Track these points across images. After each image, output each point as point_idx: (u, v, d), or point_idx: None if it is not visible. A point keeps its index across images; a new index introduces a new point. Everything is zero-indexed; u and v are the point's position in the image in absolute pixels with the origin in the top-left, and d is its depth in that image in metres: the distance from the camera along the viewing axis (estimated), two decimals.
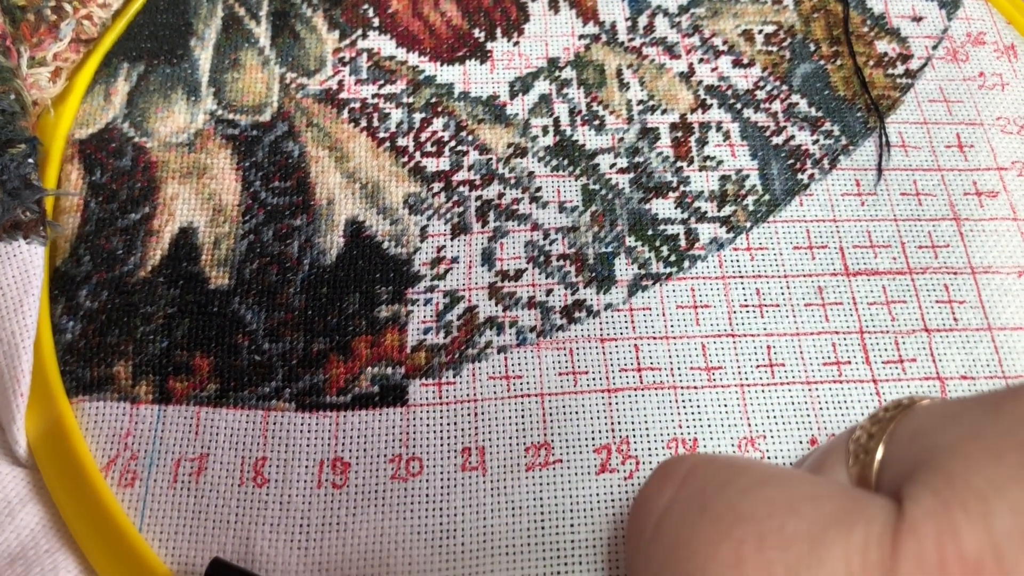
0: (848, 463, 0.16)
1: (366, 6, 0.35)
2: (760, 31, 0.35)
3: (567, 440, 0.26)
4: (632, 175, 0.31)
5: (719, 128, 0.33)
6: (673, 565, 0.15)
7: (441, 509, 0.25)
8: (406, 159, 0.31)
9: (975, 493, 0.12)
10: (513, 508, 0.25)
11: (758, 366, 0.28)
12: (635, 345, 0.28)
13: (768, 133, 0.33)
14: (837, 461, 0.17)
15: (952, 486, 0.13)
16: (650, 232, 0.30)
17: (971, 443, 0.13)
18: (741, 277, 0.30)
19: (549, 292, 0.29)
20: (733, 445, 0.27)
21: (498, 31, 0.35)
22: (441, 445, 0.26)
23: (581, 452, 0.26)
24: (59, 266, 0.29)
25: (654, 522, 0.16)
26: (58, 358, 0.27)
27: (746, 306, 0.29)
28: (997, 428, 0.13)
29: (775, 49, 0.35)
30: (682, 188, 0.31)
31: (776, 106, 0.33)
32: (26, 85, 0.31)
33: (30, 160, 0.29)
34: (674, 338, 0.28)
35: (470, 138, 0.32)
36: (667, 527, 0.16)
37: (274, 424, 0.26)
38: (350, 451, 0.26)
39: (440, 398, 0.27)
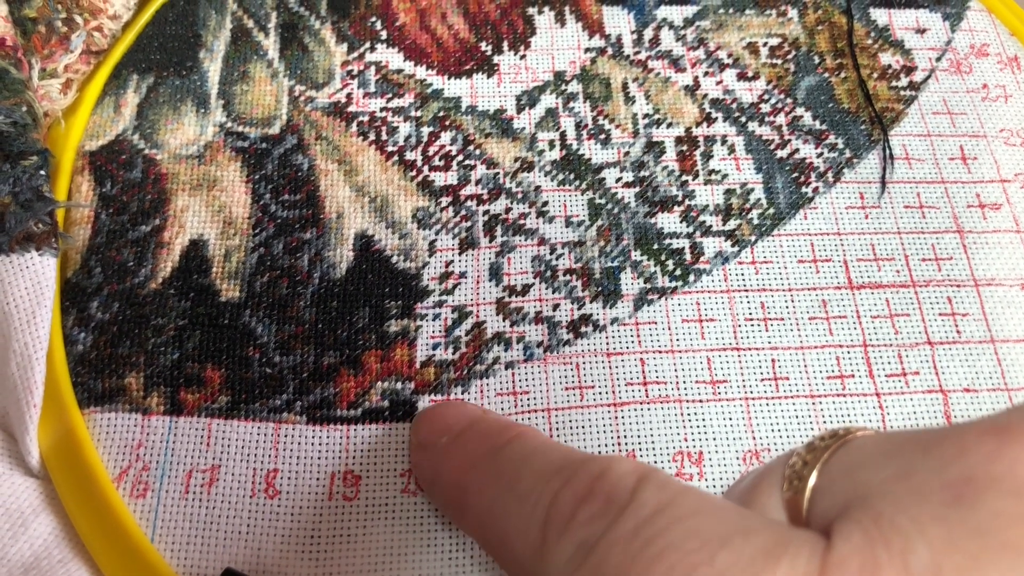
0: (783, 488, 0.17)
1: (374, 19, 0.35)
2: (765, 43, 0.36)
3: None
4: (638, 189, 0.32)
5: (724, 142, 0.33)
6: None
7: (451, 523, 0.25)
8: (414, 173, 0.32)
9: (898, 531, 0.13)
10: None
11: (763, 380, 0.28)
12: (641, 359, 0.28)
13: (772, 146, 0.33)
14: (772, 484, 0.17)
15: (878, 524, 0.13)
16: (656, 246, 0.31)
17: (899, 483, 0.14)
18: (746, 291, 0.30)
19: (556, 307, 0.29)
20: (738, 458, 0.27)
21: (505, 44, 0.35)
22: None
23: None
24: (70, 278, 0.29)
25: (583, 540, 0.17)
26: (70, 369, 0.27)
27: (751, 320, 0.29)
28: (925, 468, 0.14)
29: (779, 62, 0.35)
30: (687, 202, 0.32)
31: (781, 119, 0.34)
32: (37, 97, 0.31)
33: (42, 172, 0.29)
34: (680, 352, 0.29)
35: (477, 152, 0.32)
36: (602, 547, 0.16)
37: (285, 436, 0.27)
38: (361, 464, 0.26)
39: None
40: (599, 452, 0.27)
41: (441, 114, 0.33)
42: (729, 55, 0.35)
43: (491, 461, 0.21)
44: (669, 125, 0.33)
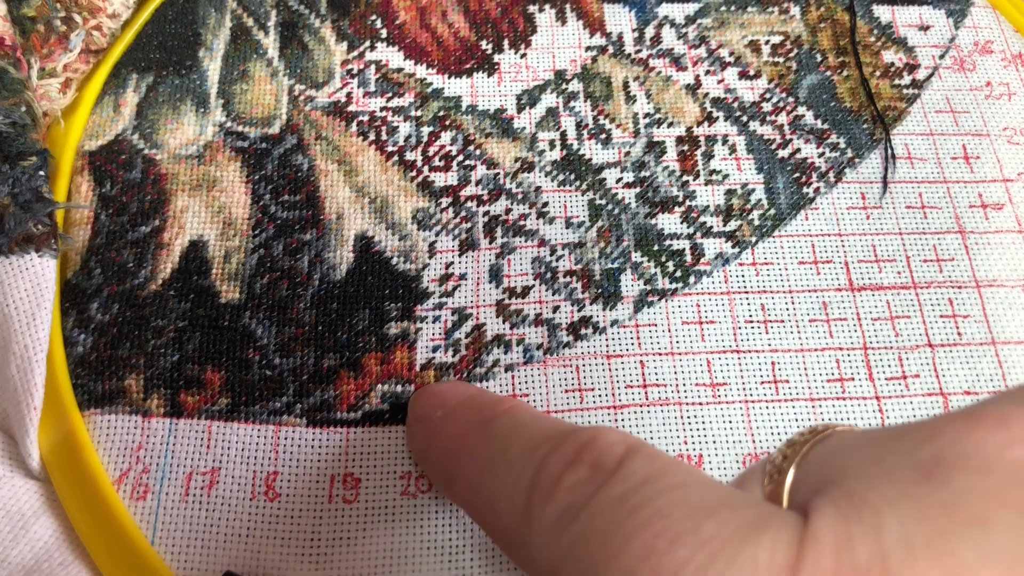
0: (763, 483, 0.17)
1: (374, 17, 0.35)
2: (767, 41, 0.35)
3: None
4: (638, 189, 0.32)
5: (725, 141, 0.33)
6: (585, 547, 0.16)
7: (451, 525, 0.25)
8: (414, 173, 0.32)
9: (870, 507, 0.14)
10: None
11: (762, 382, 0.28)
12: (641, 361, 0.28)
13: (774, 146, 0.33)
14: (754, 481, 0.17)
15: (851, 501, 0.14)
16: (656, 248, 0.30)
17: (871, 465, 0.15)
18: (746, 292, 0.30)
19: (556, 309, 0.29)
20: (738, 461, 0.27)
21: (505, 43, 0.35)
22: None
23: None
24: (70, 279, 0.29)
25: (569, 505, 0.17)
26: (70, 371, 0.27)
27: (751, 322, 0.29)
28: (896, 452, 0.15)
29: (781, 60, 0.35)
30: (688, 203, 0.31)
31: (782, 118, 0.33)
32: (36, 96, 0.31)
33: (41, 172, 0.29)
34: (679, 354, 0.29)
35: (477, 152, 0.32)
36: (588, 513, 0.16)
37: (285, 439, 0.27)
38: (361, 467, 0.26)
39: None
40: None
41: (441, 114, 0.33)
42: (731, 53, 0.35)
43: (482, 430, 0.22)
44: (670, 124, 0.33)
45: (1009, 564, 0.12)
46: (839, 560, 0.13)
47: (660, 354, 0.29)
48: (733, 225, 0.31)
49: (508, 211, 0.31)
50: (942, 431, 0.14)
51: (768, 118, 0.33)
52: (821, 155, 0.33)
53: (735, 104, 0.34)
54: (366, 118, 0.33)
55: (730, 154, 0.33)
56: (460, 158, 0.32)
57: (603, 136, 0.33)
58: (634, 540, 0.15)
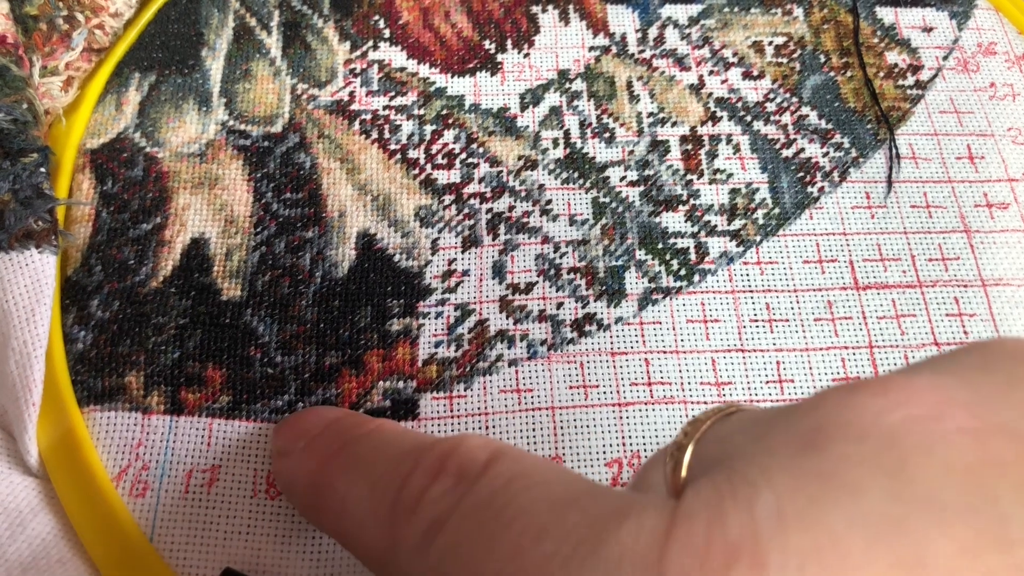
0: (665, 462, 0.17)
1: (377, 17, 0.35)
2: (770, 42, 0.35)
3: (578, 454, 0.26)
4: (642, 188, 0.32)
5: (729, 141, 0.33)
6: (452, 558, 0.16)
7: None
8: (417, 171, 0.31)
9: (747, 482, 0.13)
10: None
11: (767, 382, 0.28)
12: (645, 359, 0.28)
13: (778, 146, 0.33)
14: (659, 460, 0.17)
15: (730, 479, 0.14)
16: (660, 246, 0.30)
17: (756, 443, 0.14)
18: (751, 291, 0.30)
19: (560, 305, 0.29)
20: None
21: (508, 42, 0.35)
22: None
23: (592, 466, 0.26)
24: (70, 276, 0.29)
25: (433, 519, 0.17)
26: (69, 368, 0.27)
27: (756, 321, 0.29)
28: (781, 427, 0.14)
29: (785, 61, 0.35)
30: (692, 201, 0.31)
31: (786, 118, 0.33)
32: (38, 94, 0.31)
33: (42, 169, 0.29)
34: (684, 352, 0.28)
35: (481, 150, 0.32)
36: (452, 523, 0.16)
37: None
38: None
39: (451, 412, 0.27)
40: (604, 452, 0.26)
41: (444, 112, 0.33)
42: (734, 54, 0.35)
43: (345, 454, 0.21)
44: (674, 124, 0.33)
45: (878, 530, 0.12)
46: (710, 536, 0.13)
47: (665, 352, 0.28)
48: (737, 224, 0.31)
49: (511, 208, 0.31)
50: (824, 401, 0.14)
51: (772, 118, 0.33)
52: (825, 155, 0.33)
53: (739, 104, 0.34)
54: (369, 117, 0.33)
55: (734, 153, 0.32)
56: (463, 156, 0.32)
57: (607, 135, 0.33)
58: (501, 541, 0.15)
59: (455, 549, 0.16)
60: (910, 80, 0.35)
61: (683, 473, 0.16)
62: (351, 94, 0.33)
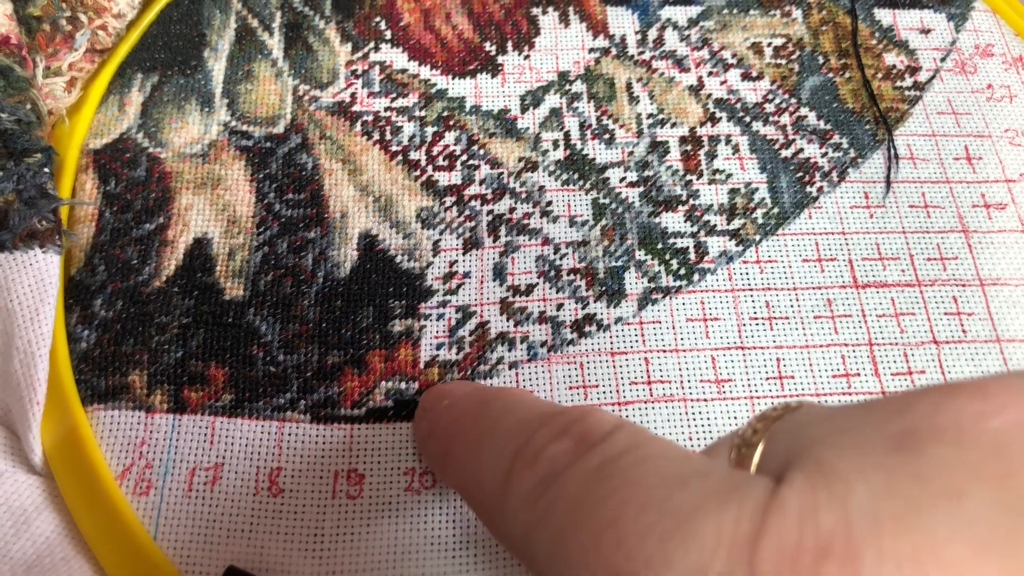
0: (730, 456, 0.17)
1: (378, 19, 0.36)
2: (769, 44, 0.36)
3: None
4: (642, 189, 0.32)
5: (728, 141, 0.33)
6: (555, 512, 0.16)
7: (455, 521, 0.25)
8: (418, 173, 0.32)
9: (840, 477, 0.13)
10: None
11: (768, 379, 0.28)
12: (645, 358, 0.28)
13: (777, 146, 0.33)
14: (720, 454, 0.17)
15: (821, 470, 0.13)
16: (660, 246, 0.30)
17: (842, 436, 0.14)
18: (751, 290, 0.30)
19: (560, 307, 0.29)
20: None
21: (509, 44, 0.35)
22: None
23: None
24: (74, 275, 0.29)
25: (548, 472, 0.17)
26: (73, 367, 0.27)
27: (755, 319, 0.29)
28: (867, 423, 0.14)
29: (784, 62, 0.35)
30: (691, 202, 0.31)
31: (785, 119, 0.34)
32: (42, 95, 0.31)
33: (46, 169, 0.29)
34: (684, 351, 0.29)
35: (481, 152, 0.32)
36: (563, 480, 0.17)
37: (289, 435, 0.26)
38: (365, 463, 0.26)
39: None
40: None
41: (445, 114, 0.33)
42: (733, 55, 0.35)
43: (479, 411, 0.22)
44: (673, 125, 0.33)
45: (982, 540, 0.12)
46: (802, 530, 0.13)
47: (664, 351, 0.28)
48: (737, 224, 0.31)
49: (512, 210, 0.31)
50: (917, 402, 0.14)
51: (771, 119, 0.34)
52: (824, 155, 0.33)
53: (738, 105, 0.34)
54: (370, 118, 0.33)
55: (733, 154, 0.33)
56: (464, 158, 0.32)
57: (607, 136, 0.33)
58: (603, 506, 0.15)
59: (561, 504, 0.16)
60: (908, 81, 0.35)
61: (752, 469, 0.16)
62: (353, 95, 0.33)
